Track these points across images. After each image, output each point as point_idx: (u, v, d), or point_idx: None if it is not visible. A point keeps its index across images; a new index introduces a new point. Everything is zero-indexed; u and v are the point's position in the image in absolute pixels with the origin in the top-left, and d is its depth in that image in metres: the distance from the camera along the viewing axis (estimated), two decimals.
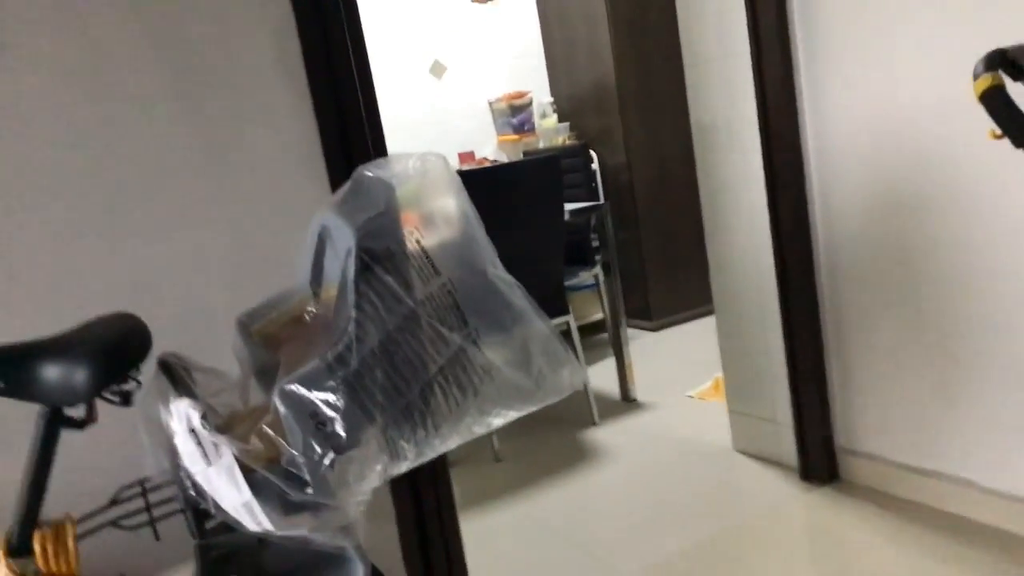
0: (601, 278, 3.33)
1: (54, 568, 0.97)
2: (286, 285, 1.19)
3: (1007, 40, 1.21)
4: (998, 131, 1.15)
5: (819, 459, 2.32)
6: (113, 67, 1.56)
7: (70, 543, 1.00)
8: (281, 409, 0.92)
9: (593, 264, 3.44)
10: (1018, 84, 1.17)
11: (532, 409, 1.04)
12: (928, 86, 1.84)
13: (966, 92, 1.73)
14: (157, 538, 1.06)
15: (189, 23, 1.62)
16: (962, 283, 1.88)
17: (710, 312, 2.68)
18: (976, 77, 1.16)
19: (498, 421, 1.02)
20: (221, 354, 1.15)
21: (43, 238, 1.51)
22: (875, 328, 2.12)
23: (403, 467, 0.96)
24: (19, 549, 0.99)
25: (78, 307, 1.52)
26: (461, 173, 2.73)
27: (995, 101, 1.13)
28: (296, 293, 1.18)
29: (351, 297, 1.02)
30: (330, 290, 1.10)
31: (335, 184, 1.75)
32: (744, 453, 2.62)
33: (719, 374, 2.71)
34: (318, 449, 0.90)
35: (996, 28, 1.68)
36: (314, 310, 1.14)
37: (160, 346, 1.13)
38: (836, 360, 2.25)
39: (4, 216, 1.47)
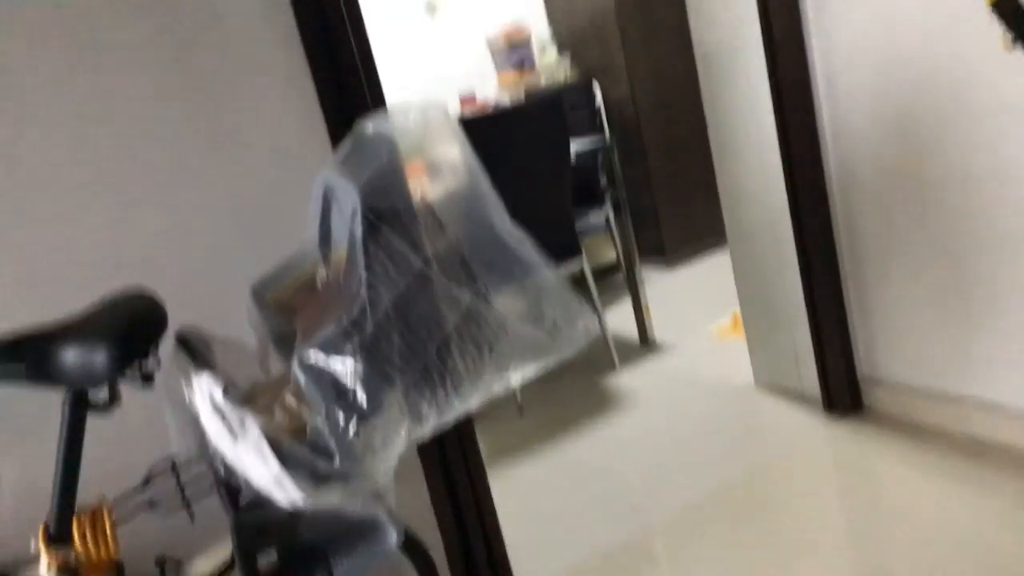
0: (612, 218, 3.30)
1: (94, 554, 0.99)
2: (295, 248, 1.18)
3: None
4: (1010, 42, 1.13)
5: (842, 390, 2.31)
6: (105, 36, 1.52)
7: (108, 528, 1.01)
8: (301, 379, 0.92)
9: (603, 203, 3.40)
10: None
11: (550, 362, 1.04)
12: (933, 2, 1.77)
13: (973, 7, 1.67)
14: (192, 519, 1.08)
15: None
16: (977, 203, 1.84)
17: (725, 245, 2.65)
18: None
19: (517, 377, 1.02)
20: (237, 324, 1.15)
21: (47, 216, 1.50)
22: (892, 253, 2.09)
23: (427, 430, 0.96)
24: (59, 536, 1.00)
25: (89, 285, 1.51)
26: (463, 121, 2.70)
27: (1006, 8, 1.12)
28: (306, 257, 1.17)
29: (360, 259, 1.02)
30: (339, 252, 1.09)
31: (336, 139, 1.72)
32: (767, 389, 2.62)
33: (737, 309, 2.70)
34: (341, 418, 0.90)
35: None
36: (325, 274, 1.13)
37: (176, 319, 1.13)
38: (854, 288, 2.23)
39: (6, 195, 1.46)
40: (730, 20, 2.27)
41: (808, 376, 2.42)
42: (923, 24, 1.82)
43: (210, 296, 1.58)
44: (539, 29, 4.48)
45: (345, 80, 1.73)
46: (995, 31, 1.11)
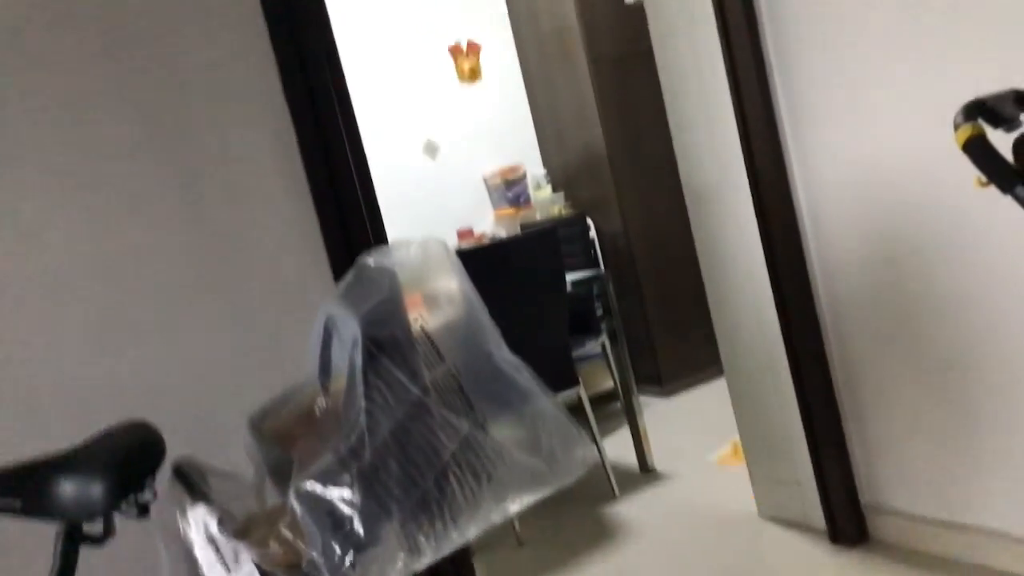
0: (608, 346, 3.33)
1: None
2: (294, 379, 1.20)
3: (978, 89, 1.24)
4: (984, 179, 1.16)
5: (847, 520, 2.26)
6: (112, 168, 1.59)
7: None
8: (298, 510, 0.91)
9: (599, 333, 3.44)
10: (998, 131, 1.20)
11: (548, 492, 1.03)
12: (910, 138, 1.87)
13: (946, 142, 1.76)
14: None
15: (188, 120, 1.66)
16: (969, 329, 1.87)
17: (722, 373, 2.67)
18: (956, 128, 1.18)
19: (515, 507, 1.01)
20: (235, 454, 1.15)
21: (52, 348, 1.52)
22: (889, 383, 2.10)
23: (424, 562, 0.95)
24: None
25: (89, 414, 1.52)
26: (460, 252, 2.77)
27: (978, 150, 1.15)
28: (305, 387, 1.18)
29: (360, 388, 1.03)
30: (339, 381, 1.10)
31: (337, 272, 1.77)
32: (770, 519, 2.56)
33: (736, 437, 2.68)
34: (338, 549, 0.89)
35: (967, 78, 1.71)
36: (324, 403, 1.14)
37: (174, 450, 1.13)
38: (853, 418, 2.23)
39: (14, 326, 1.49)
40: (717, 162, 2.39)
41: (812, 506, 2.37)
42: (903, 161, 1.91)
43: (208, 426, 1.57)
44: (534, 167, 4.67)
45: (348, 219, 1.80)
46: (968, 165, 1.17)
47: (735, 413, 2.59)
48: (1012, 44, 1.65)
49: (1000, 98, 1.22)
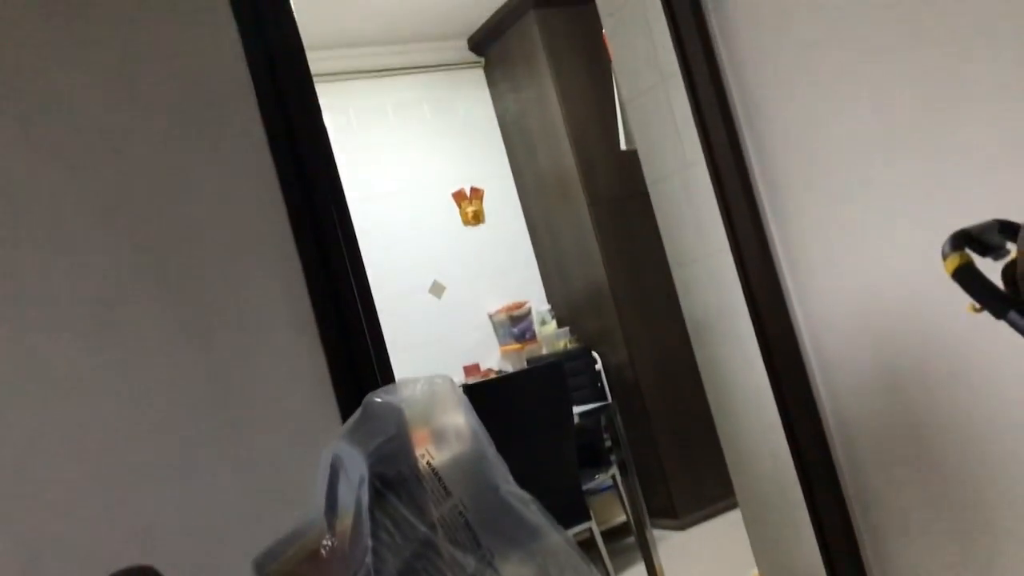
0: (619, 479, 3.27)
1: None
2: (300, 519, 1.19)
3: (963, 220, 1.29)
4: (977, 305, 1.19)
5: None
6: (125, 314, 1.63)
7: None
8: None
9: (609, 465, 3.39)
10: (986, 259, 1.23)
11: None
12: (902, 265, 1.92)
13: (937, 270, 1.81)
14: None
15: (201, 270, 1.72)
16: (982, 458, 1.85)
17: (736, 504, 2.60)
18: (945, 257, 1.21)
19: None
20: None
21: (55, 494, 1.51)
22: (907, 512, 2.05)
23: None
24: None
25: (92, 557, 1.49)
26: (467, 387, 2.79)
27: (967, 277, 1.17)
28: (311, 527, 1.17)
29: (367, 526, 1.02)
30: (345, 520, 1.09)
31: (345, 412, 1.78)
32: None
33: (755, 571, 2.58)
34: None
35: (953, 211, 1.78)
36: (330, 542, 1.13)
37: None
38: (871, 545, 2.16)
39: (16, 473, 1.49)
40: (715, 291, 2.44)
41: None
42: (895, 287, 1.96)
43: (214, 569, 1.54)
44: (538, 303, 4.75)
45: (356, 358, 1.83)
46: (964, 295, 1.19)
47: (751, 545, 2.51)
48: (994, 181, 1.72)
49: (985, 228, 1.26)
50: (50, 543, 1.48)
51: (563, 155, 4.32)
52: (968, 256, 1.19)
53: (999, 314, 1.15)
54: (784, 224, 2.18)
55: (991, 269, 1.19)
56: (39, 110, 1.62)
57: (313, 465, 1.17)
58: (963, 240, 1.22)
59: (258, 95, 1.80)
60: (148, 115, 1.71)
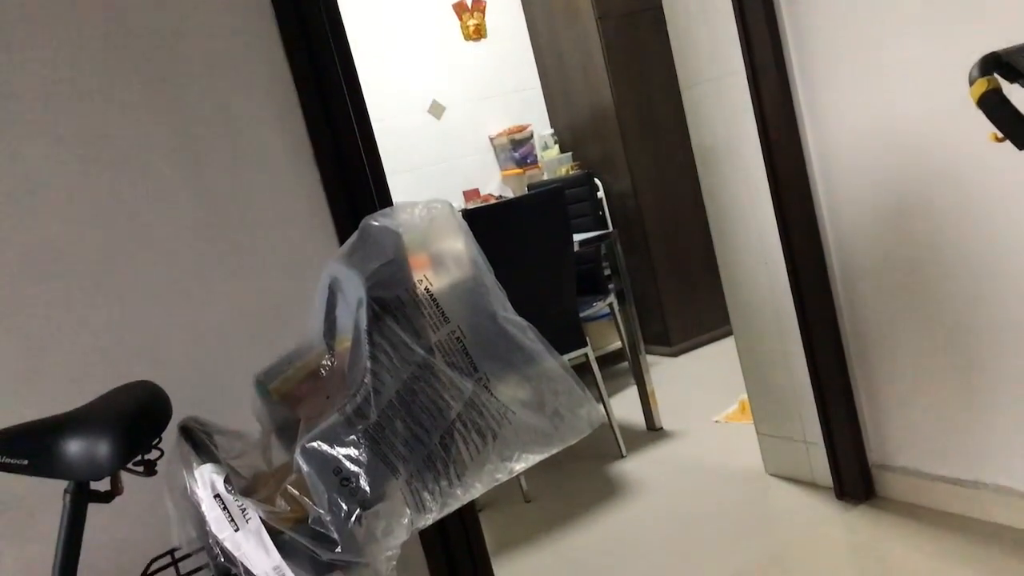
0: (616, 306, 3.33)
1: None
2: (300, 340, 1.20)
3: (992, 45, 1.21)
4: (999, 134, 1.14)
5: (853, 477, 2.28)
6: (117, 136, 1.59)
7: None
8: (304, 467, 0.92)
9: (607, 293, 3.43)
10: (1015, 87, 1.17)
11: (553, 451, 1.03)
12: (922, 94, 1.84)
13: (958, 98, 1.73)
14: None
15: (187, 83, 1.65)
16: (978, 286, 1.86)
17: (730, 333, 2.66)
18: (972, 82, 1.15)
19: (520, 466, 1.02)
20: (241, 414, 1.16)
21: (58, 310, 1.52)
22: (897, 338, 2.09)
23: (429, 518, 0.95)
24: None
25: (95, 376, 1.53)
26: (466, 212, 2.76)
27: (993, 104, 1.13)
28: (311, 347, 1.18)
29: (365, 348, 1.03)
30: (344, 342, 1.10)
31: (343, 236, 1.77)
32: (777, 476, 2.58)
33: (744, 396, 2.68)
34: (344, 506, 0.90)
35: (980, 37, 1.68)
36: (329, 363, 1.15)
37: (180, 410, 1.14)
38: (862, 375, 2.22)
39: (19, 288, 1.50)
40: (725, 118, 2.35)
41: (819, 463, 2.39)
42: (917, 114, 1.88)
43: (215, 386, 1.59)
44: (541, 127, 4.63)
45: (353, 182, 1.79)
46: (981, 121, 1.14)
47: (743, 372, 2.59)
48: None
49: (1016, 52, 1.19)
50: (54, 358, 1.52)
51: None
52: (996, 82, 1.14)
53: (1021, 143, 1.11)
54: (803, 46, 2.06)
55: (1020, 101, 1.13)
56: None
57: (311, 286, 1.17)
58: (992, 64, 1.16)
59: None
60: None
